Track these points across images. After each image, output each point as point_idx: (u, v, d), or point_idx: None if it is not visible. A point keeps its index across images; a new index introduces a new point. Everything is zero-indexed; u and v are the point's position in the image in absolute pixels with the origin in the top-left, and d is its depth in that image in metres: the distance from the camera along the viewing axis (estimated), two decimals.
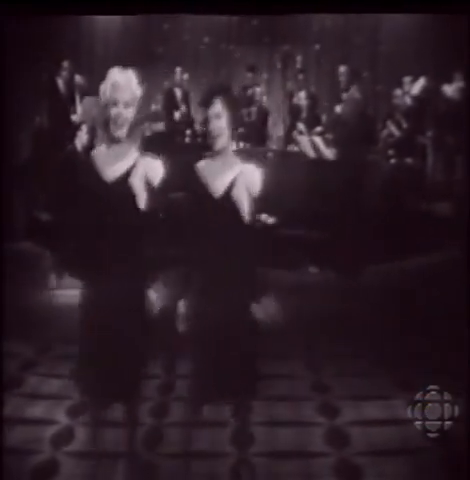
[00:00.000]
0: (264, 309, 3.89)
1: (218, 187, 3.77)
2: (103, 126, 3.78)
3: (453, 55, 8.47)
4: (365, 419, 4.91)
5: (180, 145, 9.97)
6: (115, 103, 3.69)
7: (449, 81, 10.26)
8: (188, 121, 10.88)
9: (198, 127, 10.92)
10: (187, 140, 10.63)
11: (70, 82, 10.55)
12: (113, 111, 3.70)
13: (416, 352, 5.99)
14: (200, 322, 3.76)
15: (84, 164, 3.80)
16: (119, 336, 3.73)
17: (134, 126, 3.79)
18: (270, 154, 10.16)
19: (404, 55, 11.30)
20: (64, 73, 10.50)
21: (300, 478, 4.21)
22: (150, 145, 10.04)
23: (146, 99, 11.16)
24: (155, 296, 3.80)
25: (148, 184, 3.74)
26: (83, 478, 4.08)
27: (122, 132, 3.74)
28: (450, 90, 10.32)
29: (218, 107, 3.74)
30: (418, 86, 10.42)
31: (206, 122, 3.77)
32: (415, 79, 10.47)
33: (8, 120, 10.37)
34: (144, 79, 11.04)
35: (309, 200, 9.52)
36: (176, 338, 3.86)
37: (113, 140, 3.76)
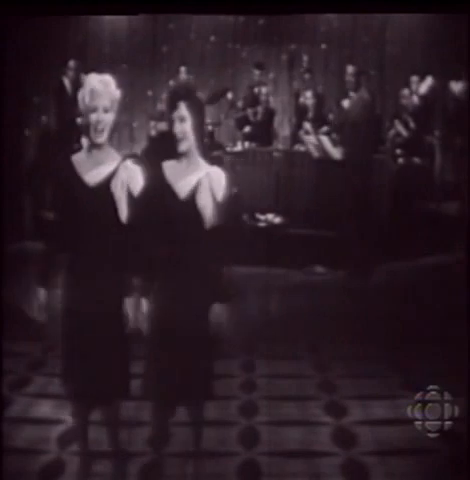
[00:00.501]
0: (227, 312, 3.84)
1: (182, 189, 3.76)
2: (84, 132, 3.76)
3: (460, 55, 8.45)
4: (370, 419, 4.89)
5: None
6: (94, 110, 3.68)
7: (456, 80, 10.23)
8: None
9: (204, 127, 10.89)
10: None
11: (76, 82, 10.55)
12: (92, 118, 3.68)
13: (422, 353, 5.98)
14: (162, 325, 3.75)
15: (67, 168, 3.76)
16: (100, 340, 3.72)
17: (114, 130, 3.77)
18: (276, 154, 10.15)
19: (411, 55, 11.28)
20: (70, 73, 10.51)
21: (307, 478, 4.20)
22: (155, 145, 10.10)
23: (153, 100, 11.16)
24: (134, 299, 3.77)
25: (129, 189, 3.73)
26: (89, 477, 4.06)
27: (102, 138, 3.72)
28: (457, 89, 10.29)
29: (182, 110, 3.72)
30: (425, 86, 10.39)
31: (171, 124, 3.74)
32: (422, 79, 10.44)
33: (15, 121, 10.40)
34: (150, 79, 11.03)
35: (315, 200, 9.52)
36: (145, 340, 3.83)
37: (94, 146, 3.75)
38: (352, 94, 9.64)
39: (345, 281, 8.37)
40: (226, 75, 11.88)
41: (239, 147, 10.65)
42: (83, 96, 3.72)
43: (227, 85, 11.42)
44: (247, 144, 10.68)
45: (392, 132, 10.43)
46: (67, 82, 10.55)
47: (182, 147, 3.75)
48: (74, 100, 10.89)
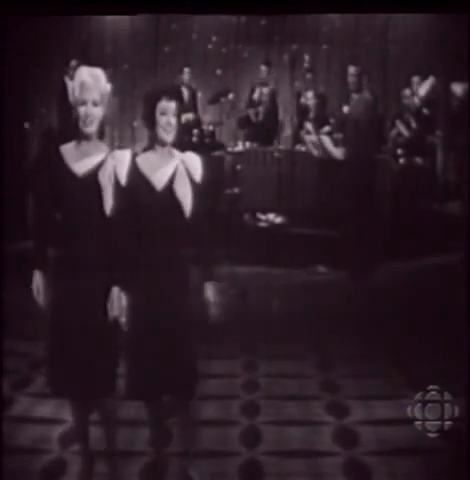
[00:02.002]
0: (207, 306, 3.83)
1: (159, 180, 3.78)
2: (73, 125, 3.77)
3: (462, 55, 8.45)
4: (372, 418, 4.89)
5: (187, 144, 9.97)
6: (83, 103, 3.71)
7: (458, 80, 10.22)
8: (195, 121, 10.87)
9: (205, 127, 10.91)
10: (194, 140, 10.62)
11: None
12: (81, 110, 3.71)
13: (422, 352, 5.98)
14: (141, 321, 3.74)
15: (56, 159, 3.79)
16: (87, 335, 3.70)
17: (104, 123, 3.79)
18: (277, 154, 10.15)
19: (413, 55, 11.27)
20: (72, 73, 10.50)
21: (309, 477, 4.20)
22: None
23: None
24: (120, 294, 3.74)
25: (116, 177, 3.74)
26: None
27: (91, 129, 3.75)
28: (459, 89, 10.28)
29: (175, 105, 3.77)
30: (427, 86, 10.38)
31: (158, 112, 3.75)
32: (424, 79, 10.43)
33: (17, 120, 10.40)
34: (152, 79, 11.02)
35: (317, 200, 9.52)
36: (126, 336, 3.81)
37: (82, 137, 3.77)
38: (354, 94, 9.64)
39: (347, 281, 8.38)
40: (228, 75, 11.89)
41: (240, 147, 10.66)
42: (73, 88, 3.76)
43: (229, 85, 11.43)
44: (248, 144, 10.69)
45: (394, 132, 10.43)
46: (69, 82, 10.55)
47: (169, 138, 3.78)
48: None
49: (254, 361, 5.97)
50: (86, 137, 3.77)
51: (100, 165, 3.75)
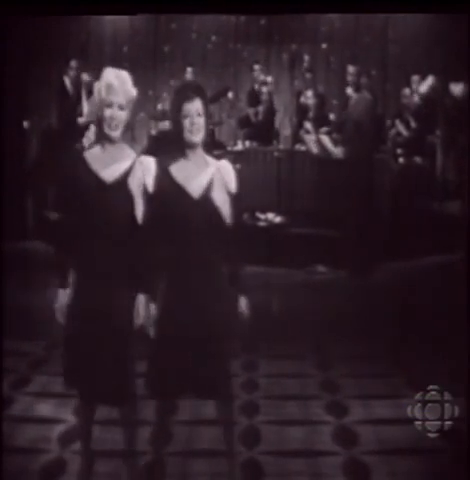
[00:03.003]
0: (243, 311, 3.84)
1: (195, 189, 3.72)
2: (97, 126, 3.73)
3: (462, 55, 8.45)
4: (372, 418, 4.89)
5: None
6: (109, 105, 3.65)
7: (458, 80, 10.23)
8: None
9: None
10: None
11: (77, 82, 10.55)
12: (107, 113, 3.65)
13: (422, 352, 5.98)
14: (174, 325, 3.72)
15: (80, 165, 3.71)
16: (110, 338, 3.69)
17: (129, 127, 3.75)
18: (277, 153, 10.15)
19: (413, 54, 11.29)
20: (71, 73, 10.51)
21: (309, 477, 4.20)
22: (156, 144, 10.11)
23: (154, 99, 11.18)
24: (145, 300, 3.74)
25: (145, 185, 3.69)
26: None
27: (117, 133, 3.69)
28: (458, 89, 10.29)
29: (199, 105, 3.71)
30: (426, 85, 10.39)
31: (181, 116, 3.69)
32: (424, 78, 10.44)
33: (16, 120, 10.41)
34: (151, 78, 11.02)
35: (316, 199, 9.53)
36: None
37: (108, 141, 3.72)
38: (353, 94, 9.64)
39: (346, 280, 8.38)
40: (227, 74, 11.89)
41: (240, 146, 10.67)
42: (99, 89, 3.68)
43: (228, 84, 11.43)
44: (248, 143, 10.70)
45: (393, 131, 10.44)
46: (68, 81, 10.54)
47: (197, 138, 3.71)
48: (75, 99, 11.00)
49: (254, 361, 5.97)
50: (111, 141, 3.70)
51: (129, 171, 3.70)
